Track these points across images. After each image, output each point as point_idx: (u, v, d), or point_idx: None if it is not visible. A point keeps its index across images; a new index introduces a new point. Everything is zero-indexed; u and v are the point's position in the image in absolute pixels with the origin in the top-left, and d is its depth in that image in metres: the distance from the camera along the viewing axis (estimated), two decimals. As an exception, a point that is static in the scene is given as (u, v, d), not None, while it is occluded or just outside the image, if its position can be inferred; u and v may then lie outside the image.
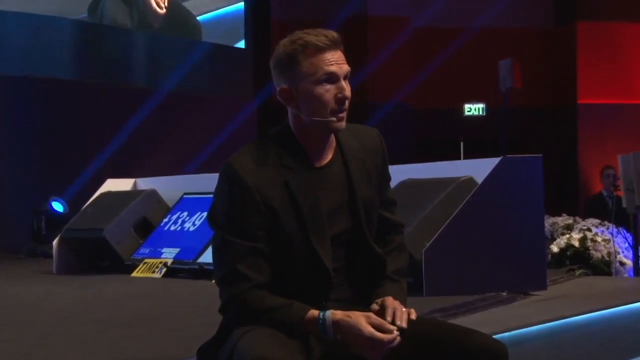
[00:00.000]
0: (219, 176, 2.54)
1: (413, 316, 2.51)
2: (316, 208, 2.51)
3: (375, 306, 2.54)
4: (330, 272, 2.51)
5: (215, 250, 2.54)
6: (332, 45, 2.51)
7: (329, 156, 2.58)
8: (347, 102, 2.52)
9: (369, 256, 2.61)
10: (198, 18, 13.46)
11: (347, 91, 2.52)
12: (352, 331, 2.39)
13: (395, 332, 2.42)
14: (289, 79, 2.51)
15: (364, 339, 2.38)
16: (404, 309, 2.52)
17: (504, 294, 5.19)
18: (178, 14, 13.02)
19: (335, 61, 2.51)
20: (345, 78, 2.53)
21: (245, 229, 2.46)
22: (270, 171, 2.50)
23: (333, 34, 2.53)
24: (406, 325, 2.46)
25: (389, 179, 2.76)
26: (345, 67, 2.52)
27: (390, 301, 2.53)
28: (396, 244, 2.74)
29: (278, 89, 2.54)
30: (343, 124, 2.54)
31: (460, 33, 15.32)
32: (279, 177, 2.50)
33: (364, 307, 2.56)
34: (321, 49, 2.49)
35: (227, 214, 2.48)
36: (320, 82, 2.49)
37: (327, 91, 2.49)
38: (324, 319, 2.42)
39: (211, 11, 13.69)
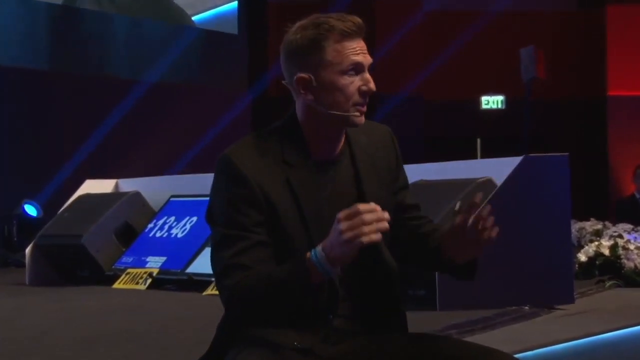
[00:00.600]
0: (216, 169, 2.56)
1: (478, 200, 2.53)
2: (320, 211, 2.52)
3: (456, 210, 2.57)
4: (336, 283, 2.54)
5: (213, 247, 2.55)
6: (359, 33, 2.53)
7: (335, 152, 2.60)
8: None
9: (379, 265, 2.62)
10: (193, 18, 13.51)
11: (372, 83, 2.55)
12: (337, 240, 2.31)
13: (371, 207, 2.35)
14: (309, 66, 2.51)
15: (339, 228, 2.30)
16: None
17: (527, 308, 5.21)
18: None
19: (361, 50, 2.53)
20: (368, 70, 2.57)
21: (245, 223, 2.47)
22: (271, 166, 2.51)
23: (358, 20, 2.55)
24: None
25: (406, 184, 2.78)
26: (369, 58, 2.56)
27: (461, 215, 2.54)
28: (427, 220, 2.77)
29: (294, 77, 2.53)
30: (363, 118, 2.56)
31: (477, 17, 15.35)
32: (279, 173, 2.51)
33: (371, 327, 2.58)
34: (348, 36, 2.51)
35: (225, 209, 2.49)
36: (345, 72, 2.50)
37: (352, 82, 2.51)
38: (316, 257, 2.37)
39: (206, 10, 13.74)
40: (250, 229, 2.48)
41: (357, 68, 2.53)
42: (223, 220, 2.50)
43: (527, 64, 12.81)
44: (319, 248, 2.39)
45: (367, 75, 2.55)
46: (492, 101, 15.95)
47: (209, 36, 13.77)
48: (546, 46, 13.74)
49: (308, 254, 2.41)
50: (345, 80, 2.52)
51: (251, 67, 13.93)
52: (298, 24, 2.56)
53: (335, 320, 2.53)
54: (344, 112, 2.53)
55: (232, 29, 14.09)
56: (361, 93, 2.54)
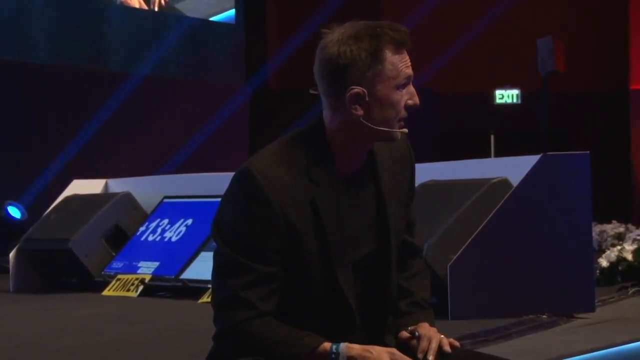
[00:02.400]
0: (234, 181, 2.53)
1: (447, 348, 2.55)
2: (342, 231, 2.53)
3: (405, 334, 2.58)
4: (353, 305, 2.55)
5: (217, 268, 2.54)
6: (410, 44, 2.55)
7: (359, 167, 2.60)
8: None
9: (386, 286, 2.65)
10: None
11: (417, 97, 2.56)
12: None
13: None
14: (366, 79, 2.50)
15: None
16: (442, 337, 2.57)
17: (544, 317, 5.20)
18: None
19: (409, 62, 2.54)
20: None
21: (259, 250, 2.47)
22: (296, 184, 2.50)
23: (406, 29, 2.56)
24: (433, 359, 2.49)
25: (414, 195, 2.80)
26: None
27: (425, 329, 2.58)
28: (417, 268, 2.78)
29: (348, 92, 2.49)
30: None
31: (491, 5, 15.35)
32: (304, 193, 2.50)
33: (377, 337, 2.59)
34: (402, 47, 2.52)
35: (238, 230, 2.49)
36: (399, 86, 2.51)
37: (402, 97, 2.53)
38: (337, 354, 2.43)
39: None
40: (263, 257, 2.48)
41: (408, 82, 2.54)
42: (235, 242, 2.49)
43: (544, 55, 12.82)
44: (344, 350, 2.44)
45: (413, 89, 2.55)
46: (506, 95, 15.95)
47: (205, 26, 13.78)
48: (565, 37, 13.74)
49: (328, 345, 2.45)
50: (398, 95, 2.52)
51: (249, 58, 13.94)
52: (342, 32, 2.51)
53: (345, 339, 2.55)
54: (390, 128, 2.53)
55: (230, 19, 14.10)
56: (407, 108, 2.54)
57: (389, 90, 2.51)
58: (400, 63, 2.51)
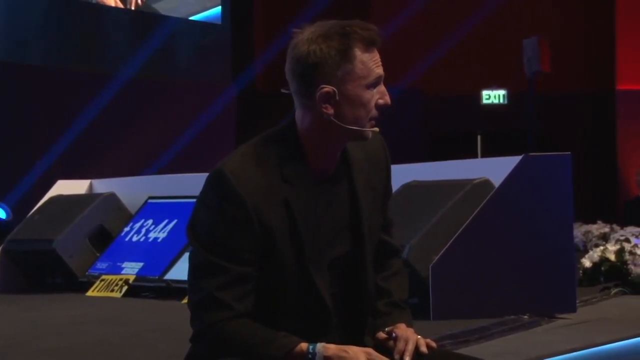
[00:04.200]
0: (207, 183, 2.54)
1: (424, 348, 2.57)
2: (316, 231, 2.55)
3: (382, 335, 2.59)
4: (329, 304, 2.56)
5: (193, 269, 2.56)
6: (379, 42, 2.55)
7: (332, 168, 2.61)
8: None
9: (362, 285, 2.66)
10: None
11: (388, 97, 2.57)
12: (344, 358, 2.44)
13: None
14: (336, 78, 2.51)
15: None
16: (419, 338, 2.58)
17: (526, 317, 5.24)
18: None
19: (380, 61, 2.55)
20: None
21: (233, 250, 2.47)
22: (269, 185, 2.51)
23: (377, 28, 2.57)
24: None
25: (390, 195, 2.82)
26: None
27: (402, 330, 2.60)
28: (396, 268, 2.80)
29: (318, 90, 2.51)
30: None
31: (478, 7, 15.37)
32: (278, 193, 2.51)
33: (354, 337, 2.61)
34: (372, 46, 2.53)
35: (213, 231, 2.50)
36: (370, 86, 2.53)
37: (372, 97, 2.54)
38: (313, 354, 2.45)
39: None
40: (237, 257, 2.49)
41: (379, 81, 2.55)
42: (209, 242, 2.50)
43: (530, 56, 12.87)
44: (321, 350, 2.46)
45: (384, 88, 2.57)
46: (493, 96, 15.98)
47: (190, 26, 13.77)
48: (551, 37, 13.77)
49: (304, 345, 2.46)
50: (369, 94, 2.53)
51: (236, 58, 13.93)
52: (313, 31, 2.52)
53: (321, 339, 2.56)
54: (361, 127, 2.55)
55: (216, 18, 14.10)
56: (378, 107, 2.56)
57: (359, 89, 2.52)
58: (370, 62, 2.52)
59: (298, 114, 2.57)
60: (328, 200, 2.59)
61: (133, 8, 12.88)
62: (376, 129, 2.57)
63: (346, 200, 2.62)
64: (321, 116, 2.53)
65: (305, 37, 2.51)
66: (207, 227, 2.52)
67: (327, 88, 2.51)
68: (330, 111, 2.52)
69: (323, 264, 2.56)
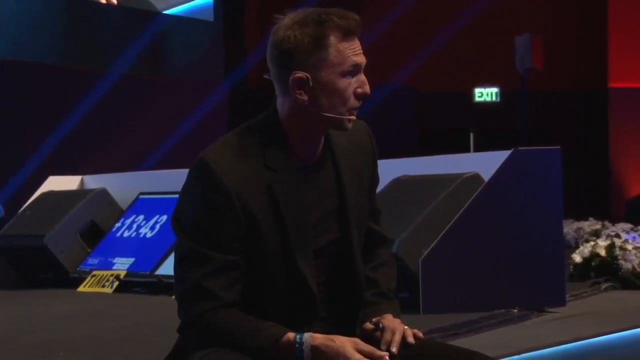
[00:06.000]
0: (190, 173, 2.55)
1: (411, 339, 2.57)
2: (301, 218, 2.55)
3: (369, 325, 2.59)
4: (315, 292, 2.57)
5: (179, 260, 2.56)
6: (358, 31, 2.56)
7: (316, 155, 2.62)
8: None
9: (352, 272, 2.67)
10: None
11: (368, 86, 2.57)
12: (336, 359, 2.43)
13: None
14: (309, 65, 2.52)
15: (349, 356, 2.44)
16: (406, 328, 2.59)
17: (515, 311, 5.26)
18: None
19: (360, 50, 2.56)
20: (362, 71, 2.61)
21: (218, 239, 2.48)
22: (252, 172, 2.51)
23: (357, 17, 2.58)
24: (396, 351, 2.52)
25: (377, 183, 2.83)
26: (365, 58, 2.58)
27: (389, 320, 2.60)
28: (384, 257, 2.80)
29: (290, 76, 2.53)
30: (352, 122, 2.60)
31: (471, 3, 15.38)
32: (261, 180, 2.52)
33: (344, 327, 2.62)
34: (349, 34, 2.53)
35: (197, 221, 2.50)
36: (345, 73, 2.53)
37: (350, 85, 2.54)
38: (300, 343, 2.45)
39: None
40: (222, 246, 2.50)
41: (357, 69, 2.55)
42: (194, 232, 2.51)
43: (522, 53, 12.87)
44: (308, 339, 2.45)
45: (363, 77, 2.57)
46: (486, 93, 16.02)
47: (182, 23, 13.77)
48: (543, 34, 13.79)
49: (292, 335, 2.46)
50: (344, 82, 2.53)
51: (228, 55, 13.93)
52: (292, 17, 2.55)
53: (309, 328, 2.57)
54: (338, 115, 2.55)
55: (208, 15, 14.10)
56: (357, 96, 2.56)
57: (333, 76, 2.52)
58: (347, 50, 2.52)
59: (279, 101, 2.59)
60: (313, 187, 2.60)
61: (116, 2, 12.83)
62: (353, 117, 2.57)
63: (332, 187, 2.63)
64: (296, 102, 2.54)
65: (284, 23, 2.54)
66: (191, 217, 2.53)
67: (300, 74, 2.53)
68: (305, 97, 2.53)
69: (309, 251, 2.56)
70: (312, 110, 2.54)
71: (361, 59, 2.56)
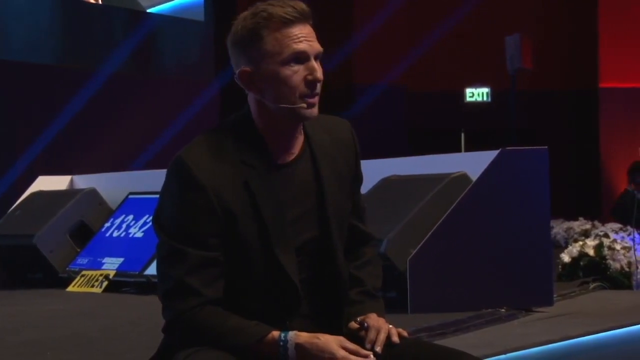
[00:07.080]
0: (168, 173, 2.57)
1: (395, 338, 2.58)
2: (280, 214, 2.55)
3: (354, 324, 2.60)
4: (298, 286, 2.57)
5: (160, 259, 2.59)
6: (301, 18, 2.54)
7: (295, 152, 2.61)
8: (319, 86, 2.56)
9: (334, 270, 2.67)
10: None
11: (319, 72, 2.55)
12: (320, 356, 2.44)
13: (372, 358, 2.49)
14: (250, 58, 2.53)
15: (334, 354, 2.44)
16: (390, 327, 2.60)
17: (503, 310, 5.28)
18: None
19: (305, 37, 2.53)
20: (316, 58, 2.57)
21: (197, 236, 2.49)
22: (229, 169, 2.52)
23: (301, 5, 2.56)
24: (380, 350, 2.53)
25: (361, 181, 2.83)
26: (317, 46, 2.56)
27: (374, 319, 2.60)
28: (369, 256, 2.81)
29: (237, 71, 2.56)
30: (315, 110, 2.57)
31: (461, 2, 15.40)
32: (238, 176, 2.52)
33: (327, 324, 2.63)
34: (288, 23, 2.51)
35: (176, 218, 2.52)
36: (287, 62, 2.51)
37: (295, 72, 2.52)
38: (285, 341, 2.46)
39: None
40: (202, 242, 2.51)
41: (300, 57, 2.53)
42: (174, 230, 2.53)
43: (512, 53, 12.88)
44: (293, 337, 2.46)
45: (313, 64, 2.55)
46: (476, 93, 16.03)
47: (173, 23, 13.76)
48: (533, 34, 13.81)
49: (276, 333, 2.47)
50: (287, 70, 2.52)
51: (218, 55, 13.91)
52: (241, 14, 2.57)
53: (293, 321, 2.58)
54: (291, 105, 2.54)
55: (198, 15, 14.09)
56: (307, 83, 2.54)
57: (274, 66, 2.52)
58: (286, 39, 2.52)
59: (248, 98, 2.61)
60: (291, 184, 2.60)
61: (100, 1, 12.83)
62: (312, 104, 2.56)
63: (311, 185, 2.63)
64: (254, 98, 2.57)
65: (235, 21, 2.57)
66: (170, 215, 2.55)
67: (245, 68, 2.55)
68: (256, 91, 2.55)
69: (290, 247, 2.57)
70: (267, 103, 2.55)
71: (304, 46, 2.53)
